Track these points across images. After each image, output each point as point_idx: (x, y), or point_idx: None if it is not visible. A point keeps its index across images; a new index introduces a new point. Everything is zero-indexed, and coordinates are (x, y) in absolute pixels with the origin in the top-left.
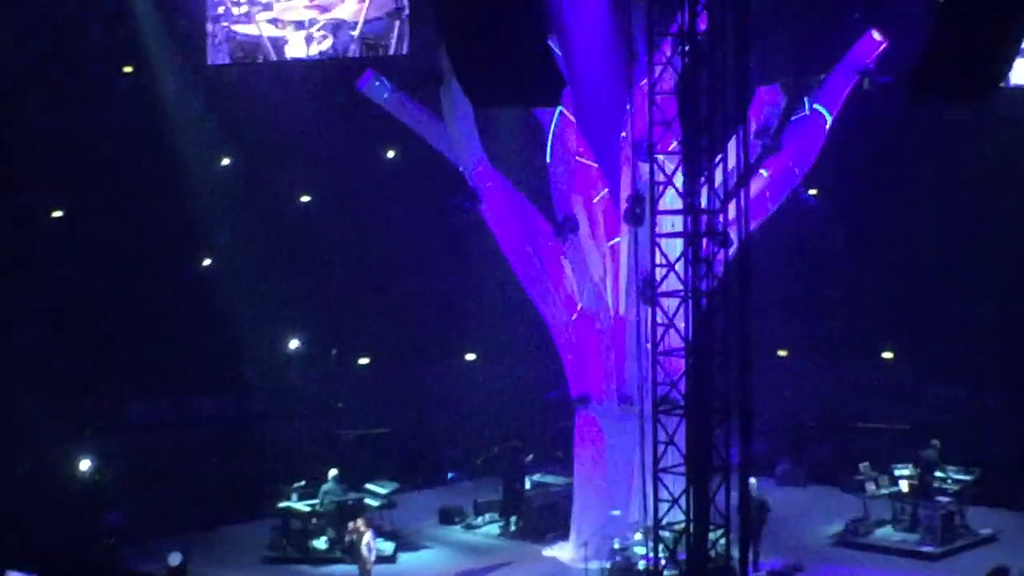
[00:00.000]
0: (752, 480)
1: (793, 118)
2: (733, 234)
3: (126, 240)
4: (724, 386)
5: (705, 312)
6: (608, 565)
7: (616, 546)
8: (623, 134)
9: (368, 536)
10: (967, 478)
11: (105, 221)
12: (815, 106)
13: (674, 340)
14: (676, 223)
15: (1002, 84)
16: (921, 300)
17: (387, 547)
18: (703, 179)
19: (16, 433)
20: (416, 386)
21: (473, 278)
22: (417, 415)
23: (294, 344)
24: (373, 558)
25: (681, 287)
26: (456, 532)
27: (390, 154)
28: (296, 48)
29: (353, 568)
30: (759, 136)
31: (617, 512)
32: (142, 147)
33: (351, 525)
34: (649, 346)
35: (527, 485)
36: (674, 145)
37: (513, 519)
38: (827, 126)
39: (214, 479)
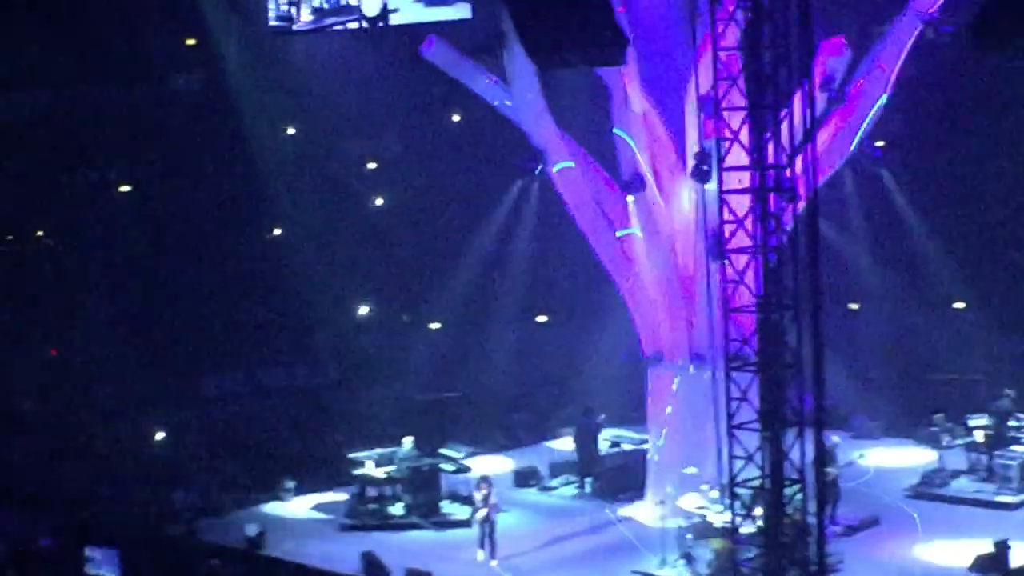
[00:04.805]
0: (835, 438)
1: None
2: (801, 188)
3: (195, 213)
4: (796, 341)
5: (775, 267)
6: (684, 523)
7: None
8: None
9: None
10: None
11: (173, 194)
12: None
13: (744, 296)
14: (743, 179)
15: None
16: (992, 250)
17: (464, 511)
18: (769, 134)
19: (92, 409)
20: (488, 349)
21: (542, 240)
22: (489, 378)
23: (365, 311)
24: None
25: (750, 243)
26: (532, 495)
27: (455, 118)
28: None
29: (429, 534)
30: (824, 89)
31: (692, 470)
32: (208, 120)
33: (478, 495)
34: (720, 303)
35: (601, 446)
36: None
37: (588, 480)
38: (892, 77)
39: (289, 449)
